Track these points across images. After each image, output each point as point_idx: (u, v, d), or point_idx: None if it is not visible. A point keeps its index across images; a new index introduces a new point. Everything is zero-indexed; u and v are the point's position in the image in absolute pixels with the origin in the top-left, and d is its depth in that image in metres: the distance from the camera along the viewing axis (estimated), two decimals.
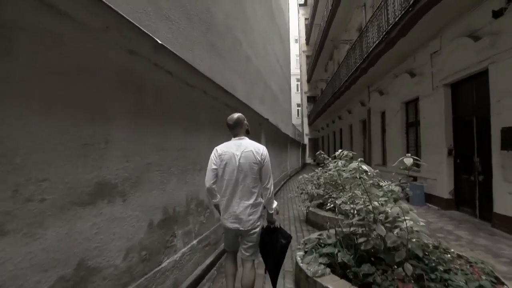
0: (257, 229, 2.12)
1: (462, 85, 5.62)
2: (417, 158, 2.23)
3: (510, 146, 4.28)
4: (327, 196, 5.44)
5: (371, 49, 7.66)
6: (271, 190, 2.09)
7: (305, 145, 28.51)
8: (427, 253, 2.30)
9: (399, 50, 6.84)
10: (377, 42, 7.19)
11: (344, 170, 5.10)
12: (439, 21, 5.63)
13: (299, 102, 30.47)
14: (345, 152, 5.58)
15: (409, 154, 2.14)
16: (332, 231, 3.04)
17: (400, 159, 2.32)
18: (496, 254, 3.56)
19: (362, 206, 2.59)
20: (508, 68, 4.45)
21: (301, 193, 5.67)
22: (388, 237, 2.16)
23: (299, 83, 30.51)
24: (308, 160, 29.37)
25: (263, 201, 2.14)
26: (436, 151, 6.14)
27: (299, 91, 30.58)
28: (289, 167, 13.95)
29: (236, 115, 2.20)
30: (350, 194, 2.97)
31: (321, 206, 5.48)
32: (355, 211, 2.77)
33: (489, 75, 4.79)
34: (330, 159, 5.98)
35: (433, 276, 1.99)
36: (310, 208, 5.11)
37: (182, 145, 2.68)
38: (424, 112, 6.68)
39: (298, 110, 30.84)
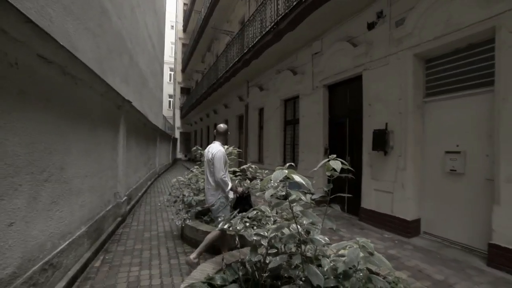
0: (215, 207, 3.07)
1: (339, 87, 5.88)
2: (344, 161, 1.56)
3: (379, 147, 4.57)
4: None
5: (257, 39, 7.17)
6: (219, 177, 2.98)
7: (177, 139, 26.68)
8: None
9: (284, 45, 6.63)
10: (264, 32, 6.74)
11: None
12: (324, 22, 5.65)
13: (172, 93, 28.37)
14: (230, 149, 4.77)
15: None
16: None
17: (324, 161, 1.63)
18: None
19: (274, 234, 1.75)
20: (377, 76, 4.77)
21: (175, 202, 4.36)
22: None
23: (172, 72, 28.35)
24: (179, 155, 27.69)
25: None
26: (314, 150, 6.26)
27: (172, 81, 28.38)
28: (157, 164, 11.94)
29: (219, 125, 3.29)
30: (254, 213, 2.06)
31: (200, 215, 4.37)
32: (266, 240, 1.85)
33: (363, 81, 5.08)
34: None
35: None
36: (188, 221, 3.89)
37: None
38: (303, 111, 6.75)
39: (170, 101, 28.74)
